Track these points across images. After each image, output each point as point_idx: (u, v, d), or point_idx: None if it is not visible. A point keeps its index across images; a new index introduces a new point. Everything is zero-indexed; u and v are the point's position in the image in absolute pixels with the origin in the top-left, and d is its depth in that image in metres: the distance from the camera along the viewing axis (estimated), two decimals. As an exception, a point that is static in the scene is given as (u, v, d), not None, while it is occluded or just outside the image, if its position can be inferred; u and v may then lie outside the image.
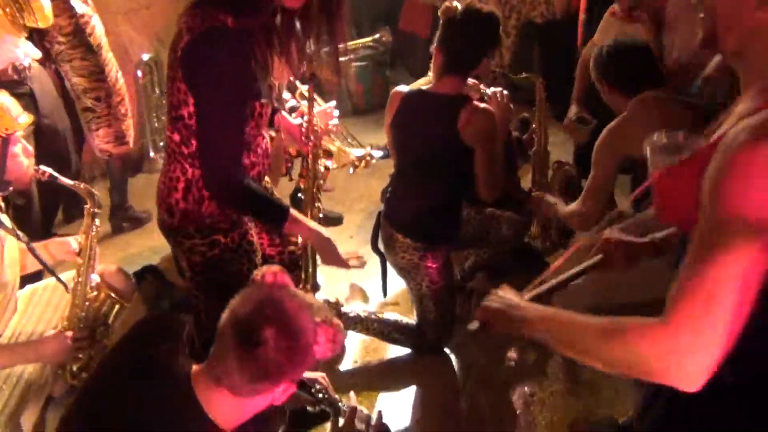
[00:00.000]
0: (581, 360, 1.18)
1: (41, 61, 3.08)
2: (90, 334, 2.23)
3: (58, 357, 2.10)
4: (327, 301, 2.83)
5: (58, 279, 2.26)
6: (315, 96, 2.67)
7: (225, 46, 1.77)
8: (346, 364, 2.85)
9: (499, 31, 2.57)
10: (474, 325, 1.51)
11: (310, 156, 2.62)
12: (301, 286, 2.37)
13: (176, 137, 1.95)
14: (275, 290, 1.49)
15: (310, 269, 2.65)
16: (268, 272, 1.72)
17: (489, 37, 2.53)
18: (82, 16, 3.04)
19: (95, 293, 2.26)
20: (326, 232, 2.16)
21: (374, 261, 3.48)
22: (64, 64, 3.05)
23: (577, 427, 2.36)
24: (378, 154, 3.56)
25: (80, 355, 2.20)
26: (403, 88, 2.75)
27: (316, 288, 2.26)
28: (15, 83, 2.91)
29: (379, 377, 2.77)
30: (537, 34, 4.99)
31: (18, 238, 2.17)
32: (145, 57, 4.52)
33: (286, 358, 1.40)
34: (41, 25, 2.72)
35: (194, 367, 1.49)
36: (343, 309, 2.85)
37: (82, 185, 2.27)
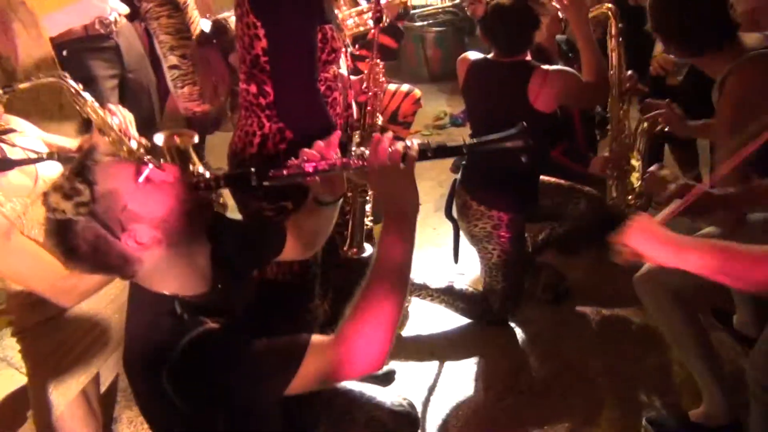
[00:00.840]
0: (732, 284, 1.30)
1: (131, 18, 3.15)
2: None
3: None
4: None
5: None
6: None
7: None
8: (409, 331, 2.86)
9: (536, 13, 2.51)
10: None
11: (369, 107, 2.47)
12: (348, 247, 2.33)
13: (253, 88, 1.96)
14: None
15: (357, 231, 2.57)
16: None
17: (528, 23, 2.50)
18: None
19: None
20: None
21: (444, 229, 3.50)
22: (152, 22, 3.11)
23: (649, 417, 2.30)
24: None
25: None
26: (471, 55, 2.71)
27: (360, 251, 2.19)
28: (101, 37, 2.98)
29: (441, 346, 2.77)
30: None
31: None
32: (227, 15, 4.56)
33: None
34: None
35: None
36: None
37: None
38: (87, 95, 2.11)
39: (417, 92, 3.47)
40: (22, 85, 2.03)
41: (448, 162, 4.18)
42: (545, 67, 2.49)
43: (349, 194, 2.33)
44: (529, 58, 2.55)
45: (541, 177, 2.85)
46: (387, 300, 1.32)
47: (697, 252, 1.35)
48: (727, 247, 1.33)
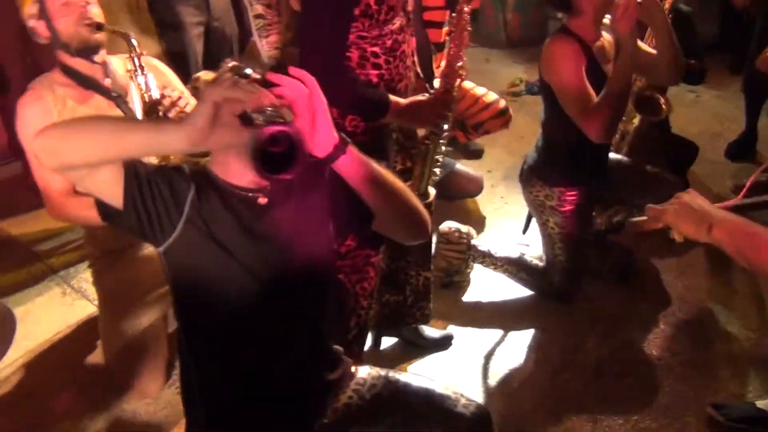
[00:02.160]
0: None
1: None
2: None
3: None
4: (458, 230, 2.82)
5: None
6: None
7: None
8: (469, 297, 2.85)
9: None
10: (639, 219, 1.53)
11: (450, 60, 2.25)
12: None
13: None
14: None
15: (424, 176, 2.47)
16: None
17: None
18: None
19: None
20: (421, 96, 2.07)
21: (513, 198, 3.46)
22: None
23: (715, 402, 2.24)
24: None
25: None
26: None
27: (424, 197, 2.14)
28: (189, -15, 3.03)
29: (500, 315, 2.75)
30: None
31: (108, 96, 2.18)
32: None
33: None
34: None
35: None
36: (473, 241, 2.84)
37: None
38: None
39: (510, 114, 3.41)
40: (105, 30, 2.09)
41: (520, 129, 4.09)
42: (555, 35, 2.43)
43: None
44: None
45: (623, 159, 2.76)
46: None
47: (729, 229, 1.34)
48: (760, 231, 1.31)
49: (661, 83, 2.54)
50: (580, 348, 2.58)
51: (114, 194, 1.28)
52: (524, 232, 2.92)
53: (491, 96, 3.36)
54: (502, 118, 3.37)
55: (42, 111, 2.05)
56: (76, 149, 1.16)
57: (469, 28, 2.09)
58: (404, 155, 2.25)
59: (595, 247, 2.92)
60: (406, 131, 2.23)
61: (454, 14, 2.13)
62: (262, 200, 1.42)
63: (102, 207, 1.32)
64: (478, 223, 3.31)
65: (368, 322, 2.27)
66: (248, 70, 1.37)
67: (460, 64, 2.10)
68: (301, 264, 1.46)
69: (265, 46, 3.27)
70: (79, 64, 2.10)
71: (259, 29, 3.22)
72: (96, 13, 2.08)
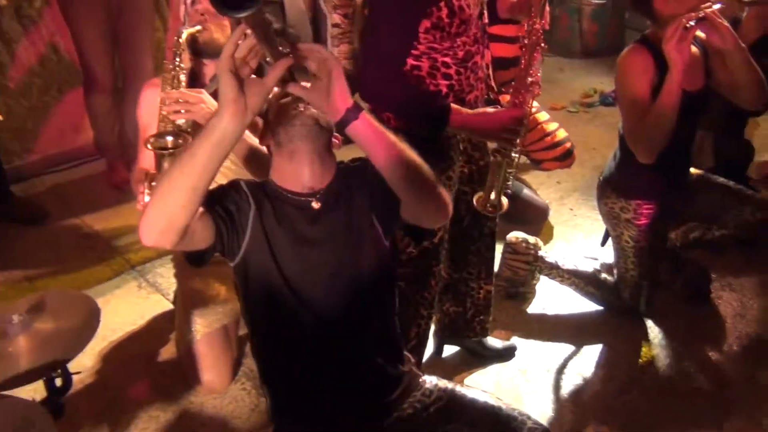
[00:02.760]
0: None
1: None
2: None
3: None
4: (525, 240, 2.80)
5: None
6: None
7: None
8: (534, 308, 2.82)
9: None
10: None
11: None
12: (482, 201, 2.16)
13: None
14: None
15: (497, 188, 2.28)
16: None
17: None
18: None
19: None
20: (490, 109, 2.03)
21: (582, 211, 3.40)
22: None
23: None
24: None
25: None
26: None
27: (497, 209, 2.10)
28: (267, -10, 3.11)
29: (565, 328, 2.71)
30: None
31: None
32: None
33: None
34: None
35: None
36: (540, 252, 2.80)
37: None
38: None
39: (573, 158, 3.33)
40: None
41: (592, 141, 4.03)
42: (633, 45, 2.36)
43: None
44: None
45: (705, 174, 2.68)
46: None
47: None
48: None
49: (745, 107, 2.44)
50: (648, 366, 2.52)
51: (207, 239, 1.38)
52: (603, 244, 2.85)
53: (560, 134, 3.28)
54: (564, 162, 3.31)
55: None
56: (168, 199, 1.23)
57: (543, 44, 2.06)
58: (471, 165, 2.24)
59: (669, 262, 2.84)
60: (473, 141, 2.22)
61: (526, 29, 2.10)
62: (316, 204, 1.47)
63: (190, 254, 1.43)
64: (546, 234, 3.27)
65: (427, 331, 2.28)
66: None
67: (531, 80, 2.05)
68: (353, 265, 1.50)
69: (337, 55, 3.34)
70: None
71: (333, 38, 3.29)
72: None
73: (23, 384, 1.48)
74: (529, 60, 2.04)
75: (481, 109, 2.00)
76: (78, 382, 1.69)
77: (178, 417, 2.32)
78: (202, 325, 2.29)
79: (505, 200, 2.11)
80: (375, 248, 1.53)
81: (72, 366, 1.64)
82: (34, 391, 1.64)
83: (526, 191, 3.36)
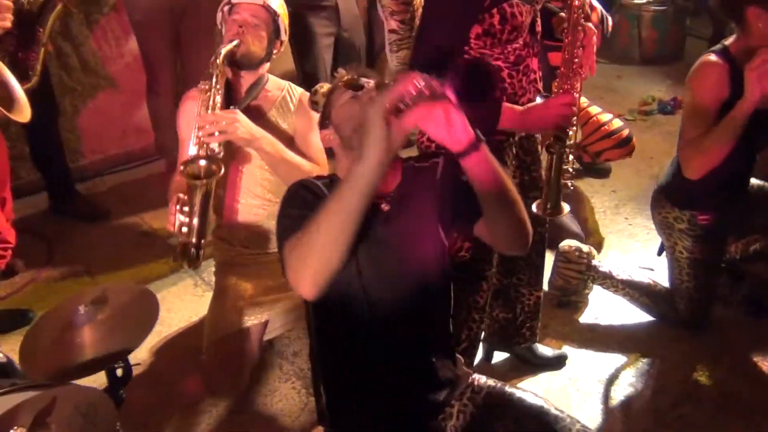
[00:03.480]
0: None
1: None
2: None
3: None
4: (579, 249, 2.76)
5: None
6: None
7: None
8: (587, 317, 2.79)
9: None
10: None
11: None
12: (541, 205, 2.12)
13: None
14: None
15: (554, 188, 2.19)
16: None
17: None
18: None
19: None
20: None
21: (638, 221, 3.34)
22: None
23: None
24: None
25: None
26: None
27: (557, 211, 2.06)
28: (323, -4, 3.17)
29: (618, 339, 2.67)
30: None
31: None
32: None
33: None
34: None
35: None
36: (594, 262, 2.77)
37: None
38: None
39: (634, 143, 3.30)
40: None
41: (650, 150, 3.95)
42: (710, 51, 2.28)
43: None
44: None
45: (766, 185, 2.61)
46: None
47: None
48: None
49: None
50: (703, 381, 2.46)
51: None
52: (659, 254, 2.80)
53: (615, 123, 3.26)
54: (623, 149, 3.27)
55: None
56: (329, 257, 1.24)
57: (588, 26, 1.99)
58: (522, 171, 2.23)
59: (727, 275, 2.77)
60: (525, 147, 2.22)
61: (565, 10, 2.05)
62: (385, 207, 1.49)
63: None
64: (600, 243, 3.22)
65: (479, 335, 2.27)
66: (363, 80, 1.46)
67: (577, 60, 2.00)
68: (419, 266, 1.50)
69: (395, 61, 3.35)
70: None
71: (391, 44, 3.30)
72: None
73: (89, 374, 1.54)
74: (573, 40, 1.99)
75: (529, 104, 2.00)
76: (133, 374, 1.74)
77: (228, 413, 2.37)
78: (227, 323, 2.24)
79: (566, 206, 2.06)
80: (437, 250, 1.55)
81: (129, 359, 1.70)
82: (95, 381, 1.70)
83: (564, 218, 3.29)
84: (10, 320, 2.81)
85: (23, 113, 2.04)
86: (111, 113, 3.85)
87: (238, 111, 2.02)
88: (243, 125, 1.99)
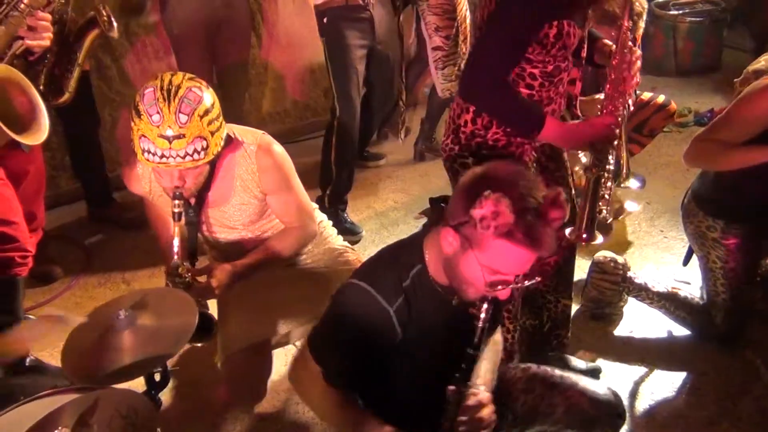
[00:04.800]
0: None
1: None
2: None
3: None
4: (614, 260, 2.73)
5: None
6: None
7: None
8: (621, 331, 2.76)
9: None
10: None
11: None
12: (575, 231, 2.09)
13: None
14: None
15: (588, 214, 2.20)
16: None
17: None
18: None
19: None
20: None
21: (673, 233, 3.30)
22: (421, 3, 3.28)
23: None
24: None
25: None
26: None
27: (591, 238, 2.03)
28: (359, 8, 3.20)
29: (653, 353, 2.63)
30: None
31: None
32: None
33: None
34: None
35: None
36: (629, 273, 2.74)
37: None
38: None
39: (673, 106, 3.30)
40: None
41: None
42: None
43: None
44: None
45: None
46: None
47: None
48: None
49: None
50: (741, 397, 2.41)
51: None
52: (685, 263, 2.77)
53: (647, 94, 3.28)
54: (664, 112, 3.27)
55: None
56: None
57: (635, 49, 2.00)
58: (547, 176, 2.21)
59: (763, 289, 2.71)
60: (549, 152, 2.22)
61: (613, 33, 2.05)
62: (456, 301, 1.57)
63: None
64: (635, 255, 3.19)
65: (514, 345, 2.26)
66: None
67: (622, 84, 2.00)
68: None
69: (440, 77, 3.38)
70: None
71: (436, 61, 3.33)
72: None
73: (129, 378, 1.57)
74: (620, 61, 1.99)
75: (573, 122, 2.01)
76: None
77: (259, 420, 2.39)
78: (236, 340, 2.17)
79: (600, 237, 1.99)
80: None
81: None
82: (133, 383, 1.72)
83: None
84: (48, 326, 2.87)
85: (35, 136, 2.06)
86: (148, 123, 3.91)
87: (212, 281, 2.02)
88: (221, 285, 2.02)
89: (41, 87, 2.48)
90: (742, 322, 2.61)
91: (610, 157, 1.99)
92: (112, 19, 2.55)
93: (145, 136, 1.82)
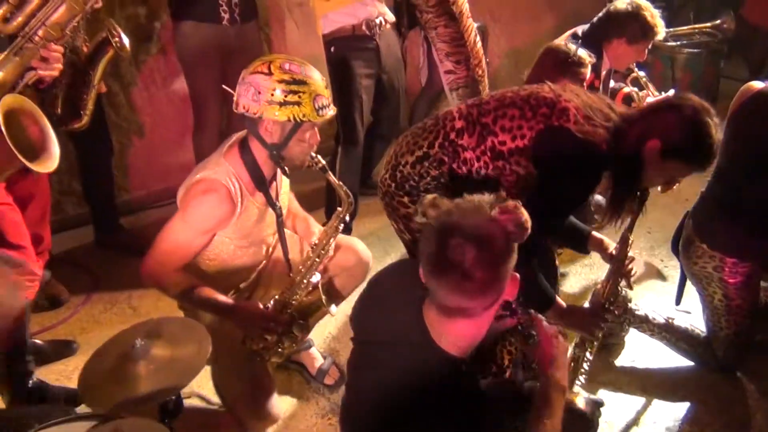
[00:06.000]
0: None
1: (410, 27, 3.41)
2: (287, 323, 2.24)
3: (245, 324, 2.18)
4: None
5: (287, 259, 2.37)
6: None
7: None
8: (623, 361, 2.78)
9: None
10: None
11: None
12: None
13: (459, 124, 2.25)
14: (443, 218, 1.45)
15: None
16: None
17: None
18: None
19: (309, 290, 2.29)
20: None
21: (674, 263, 3.32)
22: (430, 31, 3.34)
23: None
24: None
25: (267, 337, 2.21)
26: (758, 84, 2.45)
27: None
28: (365, 38, 3.27)
29: (655, 383, 2.65)
30: None
31: (274, 208, 2.27)
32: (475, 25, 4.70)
33: (493, 267, 1.39)
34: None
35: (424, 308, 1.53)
36: (630, 305, 2.76)
37: (343, 188, 2.29)
38: None
39: None
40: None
41: (685, 190, 3.92)
42: None
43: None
44: None
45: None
46: None
47: None
48: None
49: None
50: (744, 426, 2.44)
51: None
52: (677, 302, 2.80)
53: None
54: None
55: (229, 201, 2.13)
56: None
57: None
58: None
59: (764, 320, 2.74)
60: None
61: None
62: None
63: None
64: (635, 284, 3.20)
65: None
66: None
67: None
68: None
69: (455, 98, 3.45)
70: (266, 169, 2.19)
71: (450, 83, 3.40)
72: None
73: (143, 407, 1.59)
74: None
75: (572, 306, 2.38)
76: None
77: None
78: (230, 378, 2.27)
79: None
80: None
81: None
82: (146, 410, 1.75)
83: None
84: (54, 350, 2.89)
85: (46, 164, 2.09)
86: (155, 150, 3.96)
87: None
88: None
89: (58, 111, 2.54)
90: (743, 353, 2.64)
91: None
92: (123, 37, 2.59)
93: (318, 95, 2.07)
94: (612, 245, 2.47)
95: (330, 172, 2.27)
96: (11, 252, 2.30)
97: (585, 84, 2.78)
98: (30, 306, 2.46)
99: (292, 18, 4.21)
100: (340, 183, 2.31)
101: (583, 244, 2.49)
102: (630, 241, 2.39)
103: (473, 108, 2.26)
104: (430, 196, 1.48)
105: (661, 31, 3.08)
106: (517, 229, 1.41)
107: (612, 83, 3.38)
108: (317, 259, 2.27)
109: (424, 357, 1.48)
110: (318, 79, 2.10)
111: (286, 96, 2.02)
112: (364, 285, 1.81)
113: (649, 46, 3.14)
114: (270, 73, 2.03)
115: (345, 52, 3.25)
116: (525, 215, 1.42)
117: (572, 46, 2.78)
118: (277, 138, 2.11)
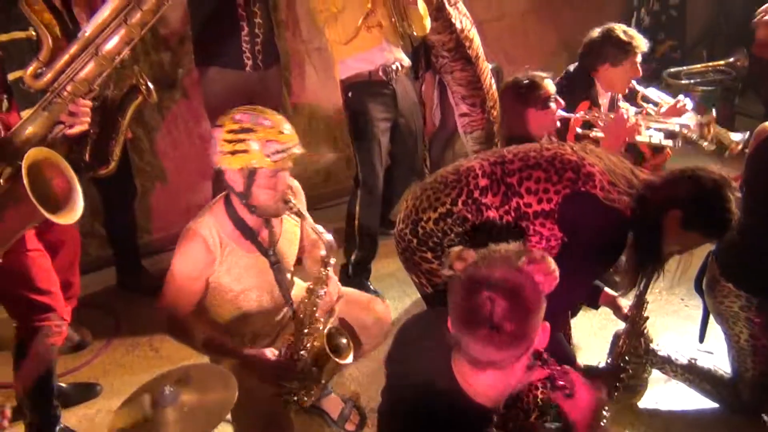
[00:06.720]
0: None
1: (426, 70, 3.49)
2: (299, 372, 2.22)
3: (260, 373, 2.20)
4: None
5: (289, 304, 2.39)
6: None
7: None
8: (645, 403, 2.75)
9: None
10: None
11: None
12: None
13: (483, 182, 2.25)
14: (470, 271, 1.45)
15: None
16: None
17: None
18: (462, 31, 3.39)
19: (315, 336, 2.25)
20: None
21: (695, 302, 3.30)
22: (446, 75, 3.41)
23: None
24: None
25: (285, 383, 2.21)
26: None
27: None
28: (382, 83, 3.32)
29: (678, 426, 2.63)
30: None
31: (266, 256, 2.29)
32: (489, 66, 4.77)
33: (524, 318, 1.39)
34: (417, 33, 3.11)
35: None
36: (652, 345, 2.75)
37: (324, 235, 2.26)
38: None
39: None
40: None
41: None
42: None
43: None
44: None
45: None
46: None
47: None
48: None
49: None
50: (770, 471, 2.40)
51: None
52: (701, 340, 2.79)
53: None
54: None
55: (206, 250, 2.17)
56: None
57: None
58: None
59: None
60: None
61: None
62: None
63: None
64: (656, 324, 3.20)
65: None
66: None
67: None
68: None
69: (470, 141, 3.50)
70: (250, 219, 2.23)
71: (464, 126, 3.45)
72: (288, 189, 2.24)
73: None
74: None
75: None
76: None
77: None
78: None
79: None
80: None
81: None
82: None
83: None
84: (78, 393, 2.92)
85: (68, 216, 2.08)
86: (177, 193, 4.03)
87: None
88: None
89: (86, 158, 2.60)
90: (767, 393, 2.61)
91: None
92: (150, 84, 2.66)
93: (269, 140, 2.08)
94: (625, 304, 2.48)
95: (307, 217, 2.28)
96: (39, 297, 2.34)
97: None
98: (57, 351, 2.49)
99: (311, 63, 4.30)
100: (320, 229, 2.28)
101: (594, 300, 2.50)
102: (645, 303, 2.43)
103: (497, 167, 2.25)
104: (456, 248, 1.50)
105: (641, 42, 3.08)
106: (545, 279, 1.42)
107: (626, 104, 3.35)
108: (314, 308, 2.25)
109: (454, 406, 1.48)
110: (274, 124, 2.11)
111: (234, 145, 2.07)
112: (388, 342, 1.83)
113: (638, 60, 3.12)
114: (222, 125, 2.12)
115: (362, 97, 3.30)
116: (552, 264, 1.43)
117: (520, 75, 2.79)
118: (241, 187, 2.14)
